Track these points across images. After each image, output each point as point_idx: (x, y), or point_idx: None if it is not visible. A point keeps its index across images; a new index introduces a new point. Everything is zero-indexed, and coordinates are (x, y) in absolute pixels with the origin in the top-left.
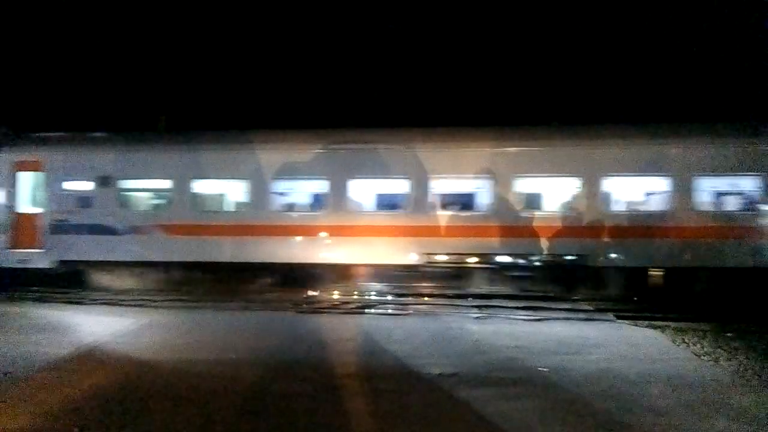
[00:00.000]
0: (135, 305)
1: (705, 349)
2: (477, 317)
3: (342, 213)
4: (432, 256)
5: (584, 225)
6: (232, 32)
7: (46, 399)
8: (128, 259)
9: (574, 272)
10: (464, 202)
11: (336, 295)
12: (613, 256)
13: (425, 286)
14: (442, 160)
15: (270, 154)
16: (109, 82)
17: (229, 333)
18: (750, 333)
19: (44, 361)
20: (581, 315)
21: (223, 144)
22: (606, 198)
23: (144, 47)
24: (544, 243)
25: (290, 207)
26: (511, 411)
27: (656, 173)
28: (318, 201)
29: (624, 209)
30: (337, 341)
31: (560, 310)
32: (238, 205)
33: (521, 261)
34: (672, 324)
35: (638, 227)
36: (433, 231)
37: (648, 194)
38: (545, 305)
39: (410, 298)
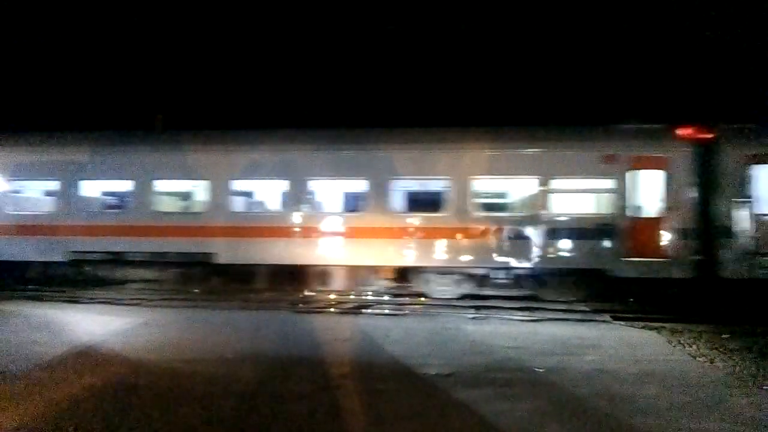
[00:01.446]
0: (131, 304)
1: (700, 350)
2: (474, 318)
3: (9, 213)
4: (80, 254)
5: (211, 225)
6: (230, 32)
7: (41, 398)
8: None
9: (205, 269)
10: (113, 203)
11: (333, 294)
12: (237, 254)
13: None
14: (90, 162)
15: None
16: (107, 81)
17: (226, 332)
18: (745, 334)
19: (40, 360)
20: (577, 316)
21: None
22: (231, 200)
23: (141, 46)
24: (177, 241)
25: None
26: (508, 411)
27: (275, 177)
28: None
29: (247, 210)
30: (333, 341)
31: (557, 310)
32: None
33: (159, 258)
34: (668, 325)
35: (257, 227)
36: (82, 231)
37: (268, 196)
38: (542, 306)
39: (407, 299)
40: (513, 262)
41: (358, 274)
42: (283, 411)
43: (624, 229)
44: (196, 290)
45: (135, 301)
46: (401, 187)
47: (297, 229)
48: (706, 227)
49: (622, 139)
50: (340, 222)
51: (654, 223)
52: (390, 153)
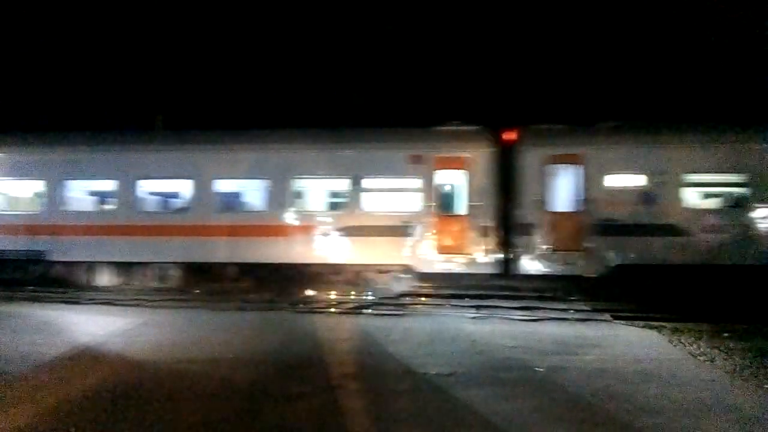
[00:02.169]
0: (131, 305)
1: (701, 349)
2: (474, 317)
3: None
4: None
5: (43, 224)
6: (230, 31)
7: (41, 399)
8: None
9: (36, 265)
10: None
11: (333, 294)
12: (68, 252)
13: None
14: None
15: None
16: (106, 80)
17: (226, 333)
18: (746, 333)
19: (40, 361)
20: (578, 315)
21: None
22: (63, 199)
23: (140, 46)
24: (12, 239)
25: None
26: (508, 411)
27: (105, 177)
28: None
29: (76, 209)
30: (334, 341)
31: (557, 310)
32: None
33: None
34: (668, 324)
35: (85, 226)
36: None
37: (97, 196)
38: (542, 305)
39: (407, 299)
40: (329, 259)
41: (176, 271)
42: (284, 411)
43: (430, 226)
44: (197, 290)
45: (135, 302)
46: (224, 188)
47: (121, 228)
48: (507, 225)
49: (428, 140)
50: (162, 221)
51: (458, 221)
52: (212, 154)
